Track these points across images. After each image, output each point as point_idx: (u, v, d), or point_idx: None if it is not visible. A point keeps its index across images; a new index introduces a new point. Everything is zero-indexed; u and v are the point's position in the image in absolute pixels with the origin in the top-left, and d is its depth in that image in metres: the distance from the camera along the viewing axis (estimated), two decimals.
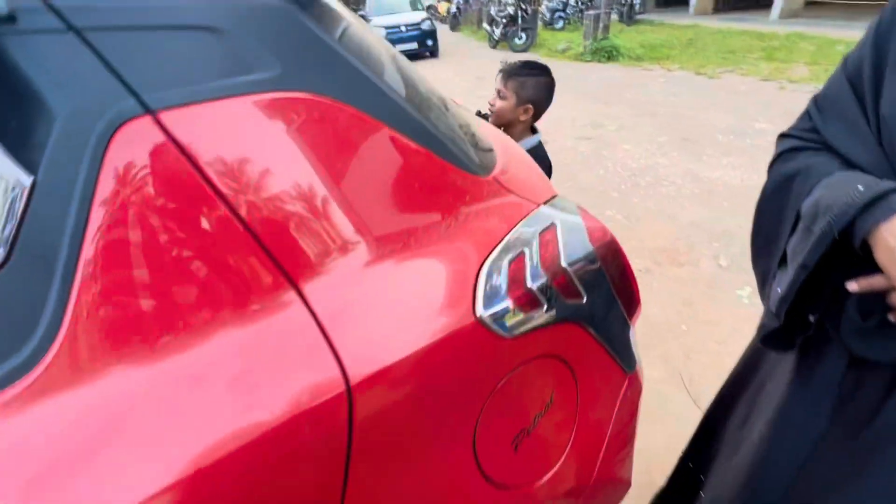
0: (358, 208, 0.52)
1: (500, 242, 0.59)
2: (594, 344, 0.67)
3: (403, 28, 9.86)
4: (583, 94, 6.00)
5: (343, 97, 0.52)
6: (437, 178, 0.58)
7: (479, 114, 1.48)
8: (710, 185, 3.27)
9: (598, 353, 0.68)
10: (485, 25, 11.49)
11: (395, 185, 0.55)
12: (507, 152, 0.87)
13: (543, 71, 1.31)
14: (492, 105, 1.36)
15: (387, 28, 9.71)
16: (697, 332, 2.01)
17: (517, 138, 1.38)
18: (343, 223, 0.51)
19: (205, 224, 0.44)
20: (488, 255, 0.57)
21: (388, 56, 0.68)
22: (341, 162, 0.52)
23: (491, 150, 0.78)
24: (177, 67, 0.43)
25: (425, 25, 10.02)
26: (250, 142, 0.47)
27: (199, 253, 0.44)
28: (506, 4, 10.16)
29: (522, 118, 1.32)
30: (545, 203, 0.71)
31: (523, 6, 9.85)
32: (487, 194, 0.65)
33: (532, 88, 1.29)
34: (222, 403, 0.42)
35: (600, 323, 0.66)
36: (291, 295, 0.47)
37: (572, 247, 0.63)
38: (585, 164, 3.84)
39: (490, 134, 0.95)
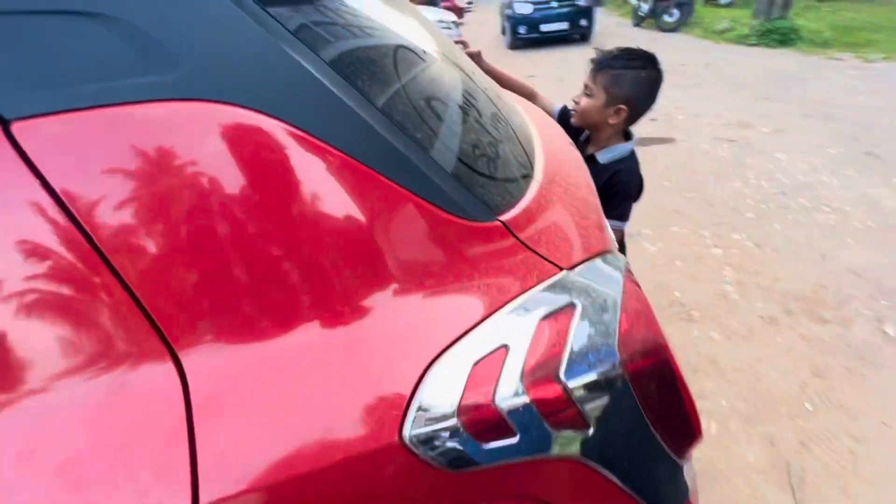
0: (272, 261, 0.39)
1: (472, 328, 0.42)
2: (606, 486, 0.46)
3: (554, 4, 8.31)
4: (736, 86, 5.04)
5: (275, 110, 0.38)
6: (398, 223, 0.42)
7: (563, 113, 1.23)
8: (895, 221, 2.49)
9: (613, 497, 0.47)
10: None
11: (330, 232, 0.40)
12: (558, 178, 0.66)
13: (647, 62, 1.02)
14: (576, 102, 1.11)
15: (535, 4, 8.33)
16: (826, 416, 1.54)
17: (603, 144, 1.12)
18: (250, 279, 0.39)
19: (61, 269, 0.35)
20: (447, 348, 0.40)
21: (391, 46, 0.52)
22: (260, 198, 0.39)
23: (521, 179, 0.58)
24: (42, 65, 0.34)
25: (583, 1, 8.32)
26: (137, 166, 0.36)
27: (50, 302, 0.35)
28: None
29: (612, 121, 1.05)
30: (576, 266, 0.51)
31: None
32: (483, 249, 0.47)
33: (628, 84, 1.01)
34: (40, 497, 0.34)
35: (619, 463, 0.45)
36: (164, 359, 0.37)
37: (586, 349, 0.42)
38: (720, 172, 3.21)
39: (545, 146, 0.74)
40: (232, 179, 0.38)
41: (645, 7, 9.25)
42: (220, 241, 0.38)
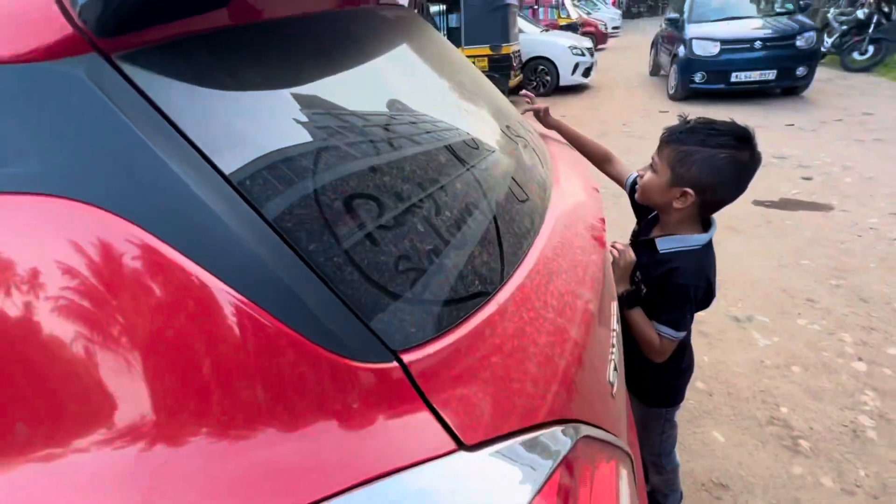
0: (107, 380, 0.35)
1: None
2: None
3: (757, 44, 5.74)
4: None
5: (131, 214, 0.35)
6: (239, 349, 0.35)
7: (636, 184, 1.04)
8: None
9: None
10: None
11: (176, 356, 0.35)
12: (536, 300, 0.53)
13: (733, 140, 0.78)
14: (640, 176, 0.93)
15: (723, 42, 5.84)
16: None
17: (671, 230, 0.91)
18: (74, 389, 0.36)
19: None
20: None
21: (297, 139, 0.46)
22: (107, 306, 0.35)
23: (467, 301, 0.46)
24: None
25: (802, 41, 5.58)
26: None
27: None
28: (859, 4, 7.42)
29: (678, 205, 0.84)
30: (488, 444, 0.38)
31: (886, 7, 7.04)
32: (358, 399, 0.37)
33: (699, 165, 0.80)
34: None
35: None
36: None
37: None
38: (889, 259, 2.51)
39: (549, 250, 0.61)
40: (88, 279, 0.35)
41: (828, 41, 7.81)
42: (45, 344, 0.35)
